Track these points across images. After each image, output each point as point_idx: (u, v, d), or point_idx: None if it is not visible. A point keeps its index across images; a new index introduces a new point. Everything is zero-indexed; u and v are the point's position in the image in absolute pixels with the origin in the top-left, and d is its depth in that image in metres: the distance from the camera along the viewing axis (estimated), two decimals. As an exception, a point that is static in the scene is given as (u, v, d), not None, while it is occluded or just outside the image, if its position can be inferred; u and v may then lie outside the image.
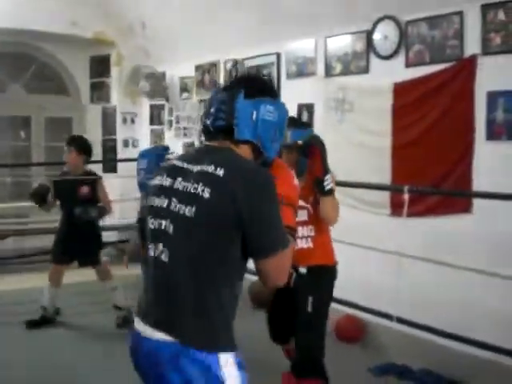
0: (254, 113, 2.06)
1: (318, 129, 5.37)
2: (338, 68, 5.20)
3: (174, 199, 1.99)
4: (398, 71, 4.70)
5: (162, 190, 2.05)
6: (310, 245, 3.49)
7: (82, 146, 5.44)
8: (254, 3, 5.82)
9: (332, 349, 4.88)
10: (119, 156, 8.32)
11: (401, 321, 4.44)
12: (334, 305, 4.98)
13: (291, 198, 2.11)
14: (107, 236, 8.01)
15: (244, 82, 2.18)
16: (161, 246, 2.00)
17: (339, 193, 5.02)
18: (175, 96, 7.69)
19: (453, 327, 4.12)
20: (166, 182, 2.05)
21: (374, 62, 4.93)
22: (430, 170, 4.48)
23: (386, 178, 4.74)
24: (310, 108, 5.49)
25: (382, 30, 4.81)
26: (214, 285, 1.94)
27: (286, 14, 5.59)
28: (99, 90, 8.72)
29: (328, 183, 3.29)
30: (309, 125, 4.06)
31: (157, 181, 2.10)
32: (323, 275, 3.53)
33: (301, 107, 5.57)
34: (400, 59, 4.71)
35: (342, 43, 5.16)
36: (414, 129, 4.56)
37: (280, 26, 5.73)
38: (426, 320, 4.36)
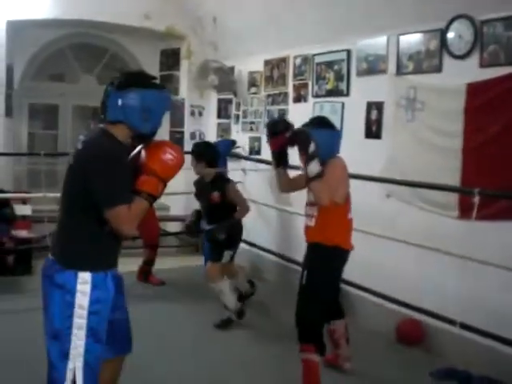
0: (119, 100, 2.72)
1: (387, 127, 5.33)
2: (410, 66, 5.12)
3: None
4: (472, 71, 4.59)
5: None
6: (312, 223, 3.93)
7: (200, 155, 5.47)
8: (326, -1, 5.81)
9: (393, 351, 4.90)
10: (186, 148, 8.39)
11: (464, 327, 4.37)
12: (394, 306, 5.00)
13: (154, 170, 2.74)
14: (172, 226, 8.17)
15: (119, 76, 2.81)
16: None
17: (406, 192, 5.03)
18: (243, 90, 7.72)
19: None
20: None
21: (447, 61, 4.83)
22: (503, 173, 4.36)
23: (455, 179, 4.64)
24: (379, 106, 5.42)
25: (457, 29, 4.71)
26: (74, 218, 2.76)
27: (357, 11, 5.54)
28: (168, 83, 8.82)
29: (311, 169, 3.66)
30: (330, 125, 4.12)
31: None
32: (319, 253, 3.92)
33: (370, 105, 5.51)
34: (474, 59, 4.60)
35: (415, 41, 5.08)
36: (487, 130, 4.44)
37: (351, 22, 5.68)
38: (488, 326, 4.28)
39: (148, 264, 6.64)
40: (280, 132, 3.88)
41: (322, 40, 6.11)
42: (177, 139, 8.46)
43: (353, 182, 5.23)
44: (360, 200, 5.43)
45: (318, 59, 6.30)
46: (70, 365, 2.66)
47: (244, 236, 7.34)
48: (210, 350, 4.80)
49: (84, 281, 2.67)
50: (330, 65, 6.10)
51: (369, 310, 5.42)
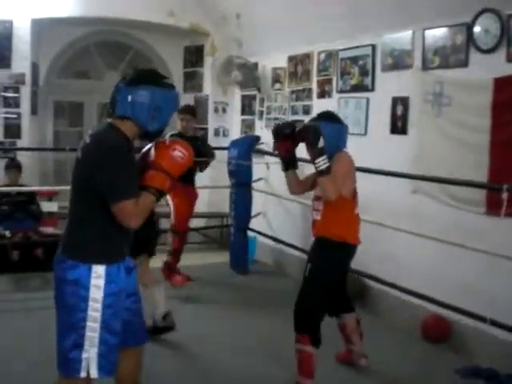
0: (129, 96, 2.75)
1: (413, 123, 5.29)
2: (436, 61, 5.07)
3: None
4: (499, 66, 4.53)
5: None
6: (318, 217, 4.01)
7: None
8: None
9: (418, 348, 4.87)
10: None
11: (495, 324, 4.32)
12: (419, 302, 4.97)
13: (162, 166, 2.78)
14: (194, 222, 8.17)
15: (132, 73, 2.87)
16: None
17: (433, 188, 4.99)
18: (267, 86, 7.71)
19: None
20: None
21: (474, 55, 4.77)
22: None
23: (482, 175, 4.59)
24: (404, 101, 5.38)
25: (483, 23, 4.65)
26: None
27: (382, 5, 5.49)
28: (192, 80, 8.86)
29: (319, 165, 3.68)
30: (337, 120, 4.09)
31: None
32: (324, 247, 3.97)
33: (395, 100, 5.47)
34: (501, 53, 4.54)
35: (441, 35, 5.02)
36: (514, 125, 4.40)
37: (376, 17, 5.64)
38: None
39: (174, 255, 6.39)
40: (286, 135, 3.92)
41: (347, 35, 6.08)
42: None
43: (378, 178, 5.27)
44: (386, 196, 5.45)
45: (342, 54, 6.27)
46: (84, 355, 2.71)
47: (268, 231, 7.39)
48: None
49: (98, 275, 2.72)
50: (354, 60, 6.06)
51: (394, 305, 5.39)
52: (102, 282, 2.72)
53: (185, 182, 5.82)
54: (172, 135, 5.92)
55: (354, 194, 4.00)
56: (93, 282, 2.71)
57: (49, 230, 7.08)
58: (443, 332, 4.96)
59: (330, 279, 3.96)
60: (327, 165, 3.68)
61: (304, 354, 3.84)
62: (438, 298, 4.79)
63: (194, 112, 6.56)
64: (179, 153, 2.83)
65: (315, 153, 3.69)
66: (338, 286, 4.14)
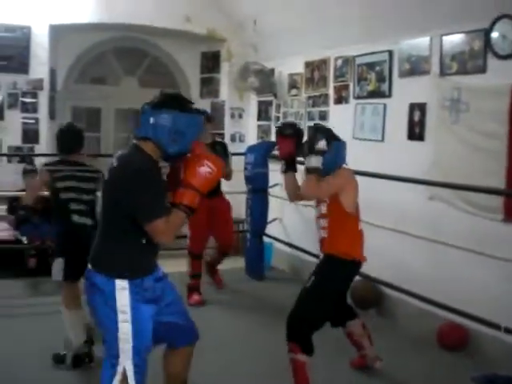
0: (151, 119, 2.85)
1: (430, 129, 5.27)
2: (454, 67, 5.04)
3: None
4: (517, 72, 4.52)
5: None
6: (325, 235, 3.97)
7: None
8: None
9: (434, 355, 4.83)
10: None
11: (509, 331, 4.29)
12: (436, 310, 4.94)
13: (191, 183, 2.85)
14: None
15: (158, 97, 2.93)
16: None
17: (450, 194, 4.96)
18: (283, 92, 7.71)
19: None
20: None
21: (491, 61, 4.74)
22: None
23: (500, 181, 4.55)
24: (422, 107, 5.35)
25: (501, 29, 4.62)
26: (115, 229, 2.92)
27: (399, 11, 5.48)
28: (209, 85, 8.89)
29: (310, 161, 3.71)
30: (336, 138, 3.99)
31: None
32: (330, 263, 3.95)
33: (413, 106, 5.44)
34: (519, 59, 4.53)
35: (458, 41, 4.99)
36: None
37: (393, 22, 5.62)
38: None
39: (192, 278, 6.24)
40: (289, 135, 3.94)
41: (363, 41, 6.08)
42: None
43: (395, 184, 5.25)
44: (402, 202, 5.43)
45: (359, 60, 6.26)
46: (120, 368, 2.83)
47: (284, 237, 7.38)
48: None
49: (122, 287, 2.83)
50: (371, 66, 6.05)
51: (410, 313, 5.36)
52: (127, 295, 2.83)
53: (207, 195, 5.86)
54: None
55: (357, 209, 3.97)
56: (117, 294, 2.83)
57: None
58: (460, 339, 4.92)
59: (331, 295, 3.94)
60: (318, 165, 3.70)
61: (297, 362, 3.83)
62: (454, 305, 4.76)
63: (209, 117, 6.29)
64: (207, 168, 2.88)
65: (312, 149, 3.71)
66: (339, 298, 4.13)
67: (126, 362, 2.83)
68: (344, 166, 3.99)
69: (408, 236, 5.27)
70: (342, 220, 3.86)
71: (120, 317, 2.81)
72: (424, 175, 5.15)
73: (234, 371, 4.45)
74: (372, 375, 4.38)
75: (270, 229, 7.42)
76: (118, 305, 2.82)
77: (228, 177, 6.11)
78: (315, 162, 3.69)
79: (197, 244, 6.19)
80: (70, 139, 4.63)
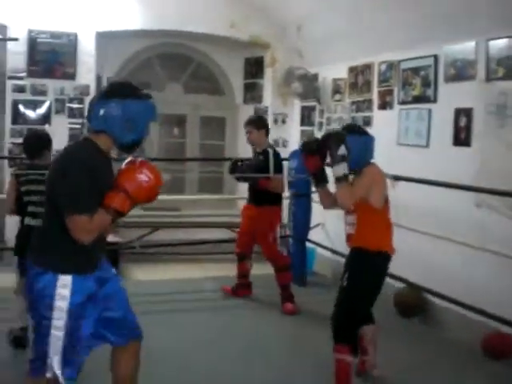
0: (101, 110, 2.75)
1: (477, 134, 5.19)
2: (500, 72, 4.96)
3: None
4: None
5: None
6: (352, 231, 4.05)
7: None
8: (412, 3, 5.71)
9: (478, 364, 4.75)
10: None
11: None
12: (481, 318, 4.85)
13: (125, 187, 2.75)
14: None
15: (106, 86, 2.89)
16: None
17: (497, 201, 4.88)
18: (327, 98, 7.69)
19: None
20: None
21: (539, 66, 4.67)
22: None
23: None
24: (468, 113, 5.28)
25: (549, 33, 4.56)
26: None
27: (444, 15, 5.42)
28: (252, 91, 8.91)
29: (336, 171, 3.67)
30: (363, 132, 4.12)
31: None
32: (359, 257, 3.98)
33: (458, 112, 5.37)
34: None
35: (505, 46, 4.91)
36: None
37: (438, 27, 5.57)
38: None
39: (239, 278, 6.40)
40: (314, 151, 3.93)
41: (408, 46, 6.02)
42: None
43: (440, 191, 5.18)
44: (448, 209, 5.36)
45: (403, 65, 6.21)
46: (49, 361, 2.76)
47: (326, 243, 7.34)
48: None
49: (64, 284, 2.74)
50: (416, 71, 5.99)
51: (455, 321, 5.28)
52: (67, 292, 2.75)
53: (254, 202, 6.03)
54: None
55: (386, 202, 3.98)
56: (58, 291, 2.73)
57: (108, 238, 7.14)
58: (505, 348, 4.83)
59: (367, 286, 3.94)
60: (345, 171, 3.67)
61: (343, 363, 3.86)
62: (501, 314, 4.67)
63: (258, 124, 6.07)
64: (145, 176, 2.79)
65: (334, 159, 3.68)
66: (376, 296, 4.07)
67: (54, 358, 2.75)
68: (372, 161, 4.02)
69: (453, 243, 5.20)
70: (369, 215, 3.90)
71: (55, 314, 2.73)
72: (471, 181, 5.08)
73: (275, 373, 4.46)
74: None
75: (313, 234, 7.40)
76: (56, 302, 2.73)
77: (277, 188, 5.98)
78: (341, 170, 3.66)
79: (237, 246, 6.41)
80: (34, 144, 4.75)
